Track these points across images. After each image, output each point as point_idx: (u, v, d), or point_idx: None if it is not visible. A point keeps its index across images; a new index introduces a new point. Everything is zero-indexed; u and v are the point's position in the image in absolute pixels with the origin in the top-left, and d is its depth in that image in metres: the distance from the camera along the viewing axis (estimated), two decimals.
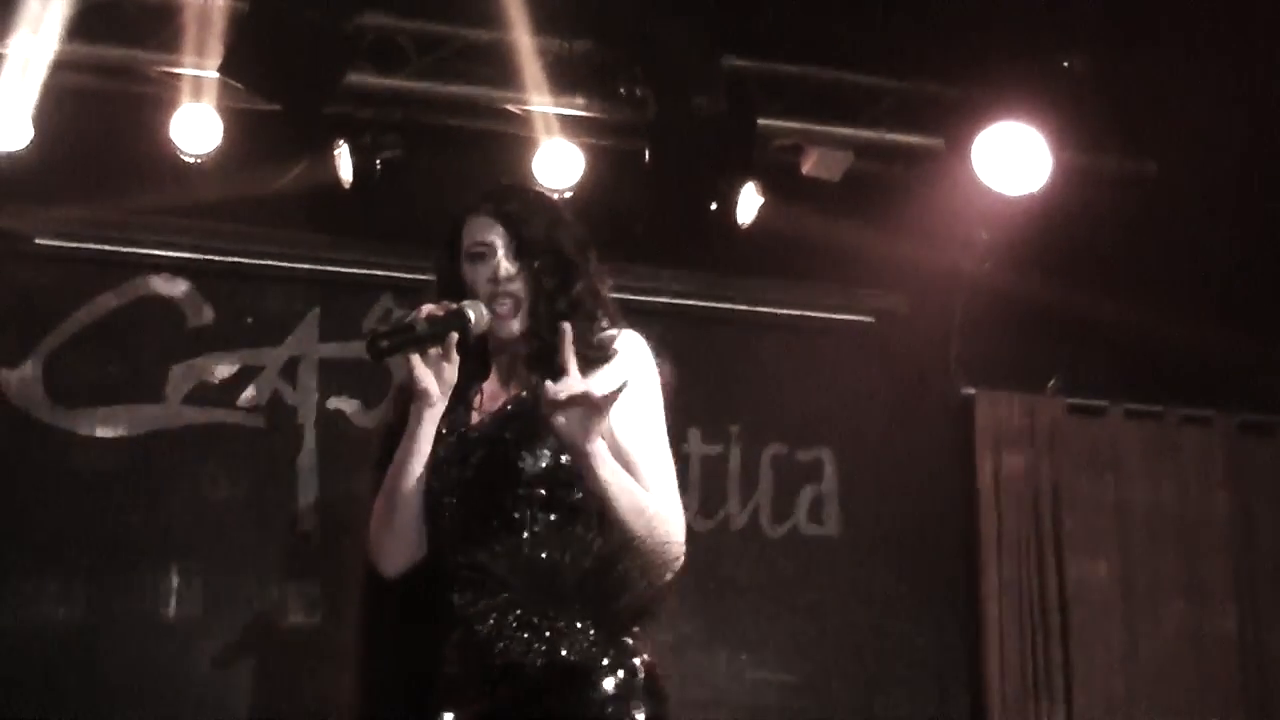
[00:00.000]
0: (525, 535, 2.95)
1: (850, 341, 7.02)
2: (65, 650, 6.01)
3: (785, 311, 7.04)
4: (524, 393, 3.10)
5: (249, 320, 6.52)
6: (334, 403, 6.46)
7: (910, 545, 6.89)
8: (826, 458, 6.98)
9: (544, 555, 2.86)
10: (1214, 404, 7.31)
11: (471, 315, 3.02)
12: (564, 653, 2.80)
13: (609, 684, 2.86)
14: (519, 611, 2.81)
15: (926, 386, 7.06)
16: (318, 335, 6.54)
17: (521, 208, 3.19)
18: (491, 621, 2.81)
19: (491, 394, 3.17)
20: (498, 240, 3.14)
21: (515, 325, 3.12)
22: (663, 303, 6.73)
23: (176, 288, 6.47)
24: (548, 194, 3.36)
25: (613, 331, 3.14)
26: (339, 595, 5.98)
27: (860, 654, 6.80)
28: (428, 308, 3.04)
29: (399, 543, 3.11)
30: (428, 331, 2.98)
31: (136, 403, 6.33)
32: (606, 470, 2.94)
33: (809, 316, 7.06)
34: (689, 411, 6.63)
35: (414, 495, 3.07)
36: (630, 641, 2.91)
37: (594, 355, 3.06)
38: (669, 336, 6.52)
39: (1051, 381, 7.17)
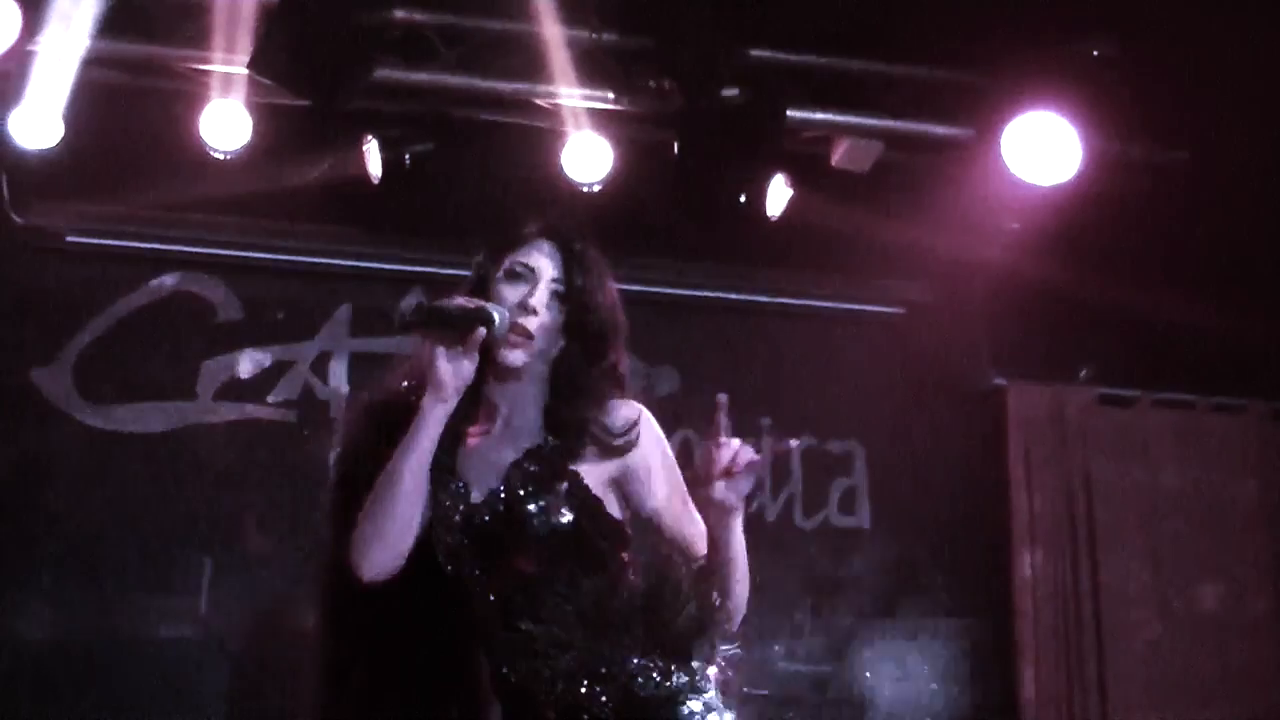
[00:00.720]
0: (567, 596, 2.90)
1: (880, 333, 7.02)
2: (95, 645, 6.05)
3: (815, 303, 7.04)
4: (533, 446, 3.02)
5: (280, 316, 6.55)
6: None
7: (941, 536, 6.89)
8: (857, 449, 6.99)
9: (594, 608, 2.86)
10: (1244, 392, 7.30)
11: (497, 317, 2.98)
12: (639, 693, 2.81)
13: (686, 709, 2.85)
14: (585, 670, 2.81)
15: (957, 377, 7.05)
16: (348, 330, 6.56)
17: (583, 257, 3.11)
18: (560, 688, 2.81)
19: (496, 436, 3.08)
20: (545, 272, 3.08)
21: (520, 356, 3.03)
22: (692, 296, 6.75)
23: (207, 284, 6.50)
24: (604, 260, 3.24)
25: (626, 411, 3.02)
26: None
27: (892, 645, 6.79)
28: (460, 299, 3.02)
29: (387, 551, 2.97)
30: (459, 315, 2.96)
31: (168, 399, 6.37)
32: (738, 535, 2.92)
33: (839, 308, 7.07)
34: None
35: (408, 498, 2.95)
36: (697, 662, 2.90)
37: (615, 438, 2.99)
38: (698, 330, 6.66)
39: (1082, 372, 7.16)
